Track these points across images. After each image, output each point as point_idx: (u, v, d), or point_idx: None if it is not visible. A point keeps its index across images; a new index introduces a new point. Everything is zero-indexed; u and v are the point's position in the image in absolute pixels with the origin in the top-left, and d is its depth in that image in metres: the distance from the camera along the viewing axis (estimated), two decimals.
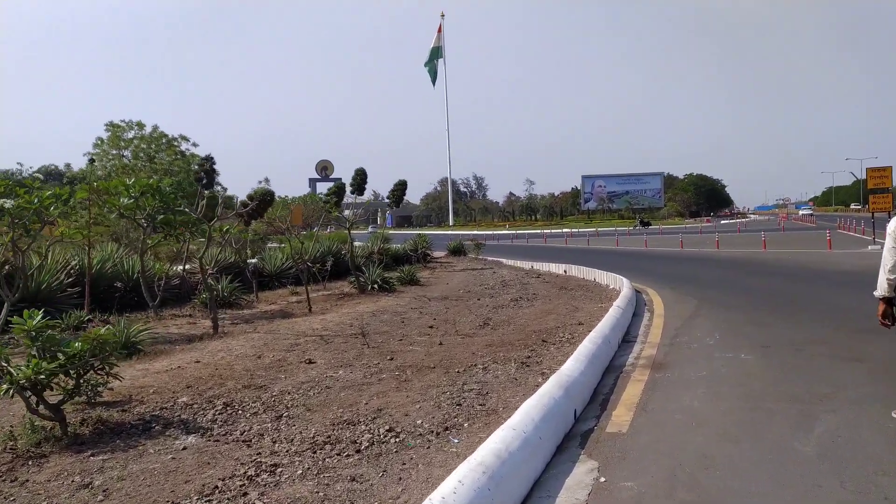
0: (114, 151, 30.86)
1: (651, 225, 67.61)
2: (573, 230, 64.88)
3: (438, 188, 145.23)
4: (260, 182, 39.41)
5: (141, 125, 31.79)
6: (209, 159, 13.13)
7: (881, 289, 4.20)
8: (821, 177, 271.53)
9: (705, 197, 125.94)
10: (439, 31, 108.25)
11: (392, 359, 6.63)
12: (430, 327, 8.79)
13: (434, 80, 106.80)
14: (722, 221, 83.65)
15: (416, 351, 7.07)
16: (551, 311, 10.07)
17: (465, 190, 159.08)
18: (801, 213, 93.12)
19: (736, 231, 45.22)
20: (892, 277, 4.12)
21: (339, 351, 7.18)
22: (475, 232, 72.69)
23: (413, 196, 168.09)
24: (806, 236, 32.75)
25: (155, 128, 32.13)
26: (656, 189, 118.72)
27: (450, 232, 76.39)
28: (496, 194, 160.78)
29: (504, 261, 22.87)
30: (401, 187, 20.04)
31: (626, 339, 7.50)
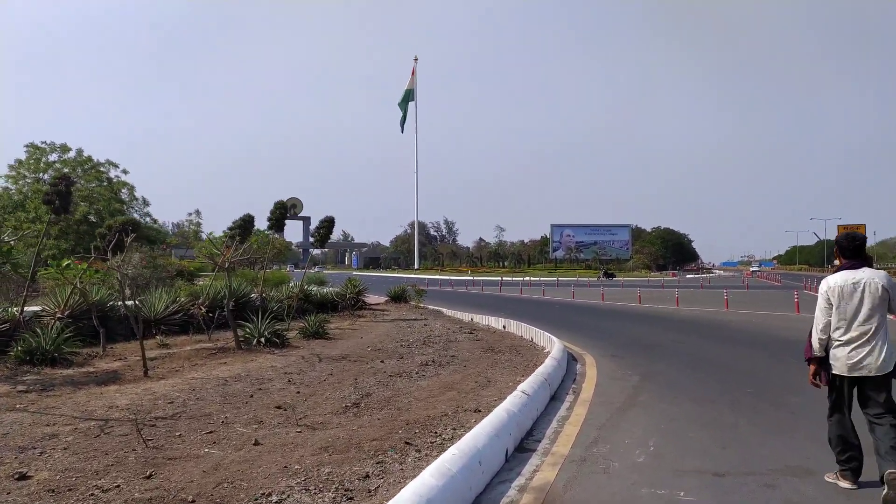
0: (30, 175, 28.19)
1: (615, 276, 66.28)
2: (531, 279, 63.06)
3: (408, 230, 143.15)
4: (190, 214, 36.86)
5: (65, 148, 29.27)
6: (65, 178, 10.73)
7: (814, 349, 4.25)
8: (785, 236, 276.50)
9: (672, 251, 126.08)
10: (413, 73, 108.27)
11: (150, 476, 4.30)
12: (279, 408, 6.50)
13: (403, 124, 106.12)
14: (687, 276, 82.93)
15: (206, 458, 4.75)
16: (455, 385, 7.85)
17: (435, 234, 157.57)
18: (755, 269, 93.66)
19: (699, 287, 43.76)
20: (823, 337, 4.20)
21: (91, 456, 4.82)
22: (436, 276, 70.50)
23: (384, 237, 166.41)
24: (771, 296, 31.20)
25: (79, 151, 29.63)
26: (624, 241, 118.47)
27: (412, 276, 74.07)
28: (466, 239, 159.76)
29: (445, 310, 20.67)
30: (326, 225, 17.87)
31: (525, 444, 5.26)
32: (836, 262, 4.42)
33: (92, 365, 9.36)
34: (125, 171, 31.48)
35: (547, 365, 7.64)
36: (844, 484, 4.13)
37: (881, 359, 4.03)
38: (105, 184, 30.16)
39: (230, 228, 14.87)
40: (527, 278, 64.08)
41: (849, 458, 4.14)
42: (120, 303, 13.62)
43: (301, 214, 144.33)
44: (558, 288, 42.50)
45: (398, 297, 24.14)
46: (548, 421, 6.04)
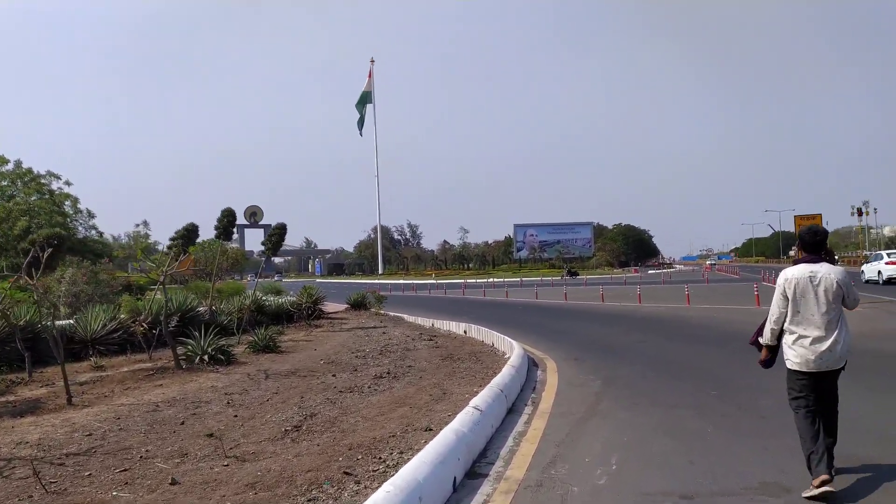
0: None
1: (578, 275, 66.59)
2: (495, 280, 62.90)
3: (372, 235, 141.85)
4: (137, 225, 35.46)
5: (3, 160, 27.77)
6: None
7: (765, 337, 4.40)
8: (741, 229, 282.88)
9: (633, 247, 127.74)
10: (370, 76, 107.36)
11: None
12: (210, 436, 5.90)
13: (361, 127, 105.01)
14: (649, 272, 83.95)
15: None
16: (408, 399, 7.36)
17: (399, 238, 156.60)
18: (712, 262, 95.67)
19: (660, 282, 44.09)
20: (775, 328, 4.32)
21: None
22: (399, 281, 69.83)
23: (348, 243, 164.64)
24: (731, 289, 31.47)
25: (18, 163, 28.15)
26: (586, 239, 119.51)
27: (376, 281, 73.29)
28: (430, 242, 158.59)
29: (406, 317, 20.14)
30: (278, 231, 17.23)
31: (477, 468, 4.78)
32: (792, 252, 4.36)
33: (14, 392, 8.60)
34: (68, 183, 30.15)
35: (504, 374, 7.19)
36: (820, 489, 3.90)
37: (837, 353, 4.09)
38: (46, 196, 28.76)
39: (172, 239, 14.11)
40: (490, 280, 63.89)
41: (814, 459, 3.96)
42: (52, 322, 12.76)
43: (262, 222, 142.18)
44: (522, 288, 42.34)
45: (358, 305, 23.52)
46: (503, 438, 5.58)
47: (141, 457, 5.27)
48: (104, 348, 12.27)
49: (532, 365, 9.90)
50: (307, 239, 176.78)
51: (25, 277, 8.60)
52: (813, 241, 4.26)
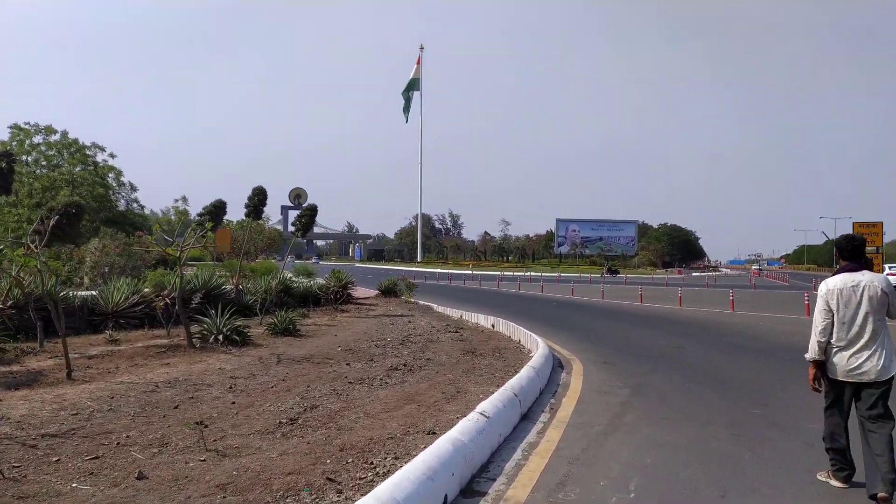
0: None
1: (619, 273, 65.11)
2: (532, 274, 61.91)
3: (413, 223, 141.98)
4: (176, 200, 35.79)
5: (50, 130, 28.25)
6: (6, 155, 9.77)
7: (812, 352, 4.18)
8: (794, 234, 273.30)
9: (678, 248, 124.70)
10: (418, 62, 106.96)
11: None
12: (199, 423, 5.49)
13: (407, 114, 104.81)
14: (693, 274, 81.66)
15: (66, 497, 3.78)
16: (418, 396, 6.86)
17: (441, 227, 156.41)
18: (757, 268, 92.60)
19: (704, 285, 42.58)
20: (822, 340, 4.11)
21: None
22: (436, 270, 69.47)
23: (389, 230, 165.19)
24: (779, 297, 30.03)
25: (64, 133, 28.60)
26: (630, 237, 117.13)
27: (413, 269, 73.13)
28: (471, 233, 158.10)
29: (435, 306, 19.67)
30: (309, 213, 16.91)
31: (475, 484, 4.23)
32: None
33: (21, 363, 8.42)
34: (112, 155, 30.48)
35: (521, 376, 6.60)
36: (836, 483, 4.08)
37: (881, 364, 3.95)
38: (91, 167, 29.18)
39: (200, 214, 13.90)
40: (528, 273, 62.99)
41: (836, 459, 4.11)
42: (76, 293, 12.71)
43: (306, 204, 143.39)
44: (559, 284, 41.41)
45: (388, 291, 23.18)
46: (511, 449, 5.01)
47: (119, 443, 4.90)
48: (125, 321, 12.16)
49: (557, 366, 9.30)
50: (349, 223, 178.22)
51: (29, 245, 8.39)
52: (850, 247, 4.14)
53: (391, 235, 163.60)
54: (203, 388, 7.05)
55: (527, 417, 6.02)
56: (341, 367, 8.81)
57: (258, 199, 15.89)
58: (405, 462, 4.18)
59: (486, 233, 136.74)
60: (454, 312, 17.74)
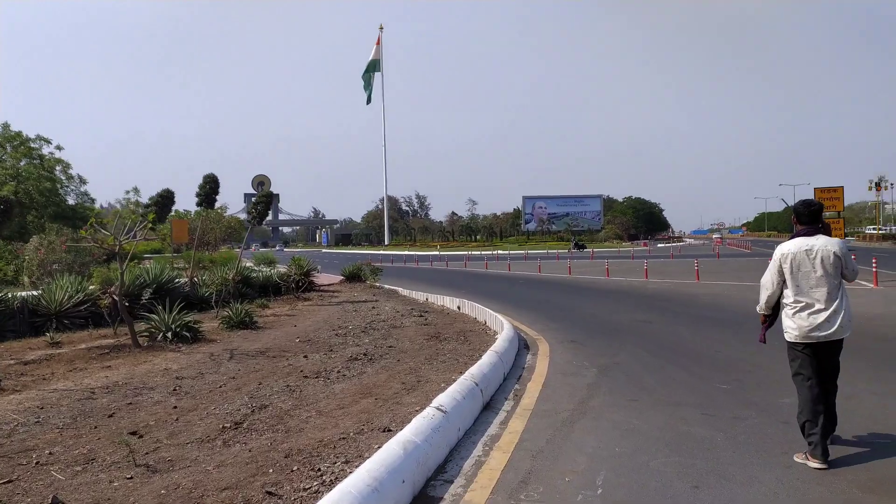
0: None
1: (586, 248, 65.46)
2: (500, 252, 61.83)
3: (379, 206, 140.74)
4: (127, 192, 34.48)
5: None
6: None
7: (760, 305, 4.50)
8: (753, 203, 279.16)
9: (644, 220, 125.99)
10: (378, 43, 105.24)
11: None
12: (134, 433, 5.06)
13: (369, 96, 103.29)
14: (658, 245, 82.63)
15: None
16: (376, 388, 6.49)
17: (408, 209, 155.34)
18: (716, 237, 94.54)
19: (669, 256, 42.95)
20: (770, 299, 4.39)
21: None
22: (403, 252, 68.95)
23: (357, 214, 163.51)
24: (743, 264, 30.34)
25: (6, 126, 27.15)
26: (596, 211, 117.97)
27: (380, 252, 72.52)
28: (439, 214, 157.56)
29: (400, 290, 19.27)
30: (265, 200, 16.29)
31: (429, 489, 3.86)
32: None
33: None
34: (59, 148, 29.08)
35: (482, 364, 6.26)
36: (814, 464, 3.98)
37: (837, 324, 4.07)
38: (36, 161, 27.83)
39: (146, 205, 13.20)
40: (495, 252, 62.89)
41: (813, 431, 4.04)
42: (17, 293, 11.98)
43: (270, 191, 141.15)
44: (526, 262, 41.32)
45: (353, 277, 22.70)
46: (472, 444, 4.67)
47: (39, 462, 4.42)
48: (69, 322, 11.51)
49: (524, 348, 9.01)
50: (315, 209, 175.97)
51: None
52: (808, 213, 4.23)
53: (358, 220, 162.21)
54: (144, 393, 6.56)
55: (489, 407, 5.69)
56: (298, 359, 8.39)
57: (209, 188, 15.22)
58: (357, 465, 3.82)
59: (453, 213, 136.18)
60: (420, 296, 17.38)
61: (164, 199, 12.95)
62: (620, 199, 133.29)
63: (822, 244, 4.12)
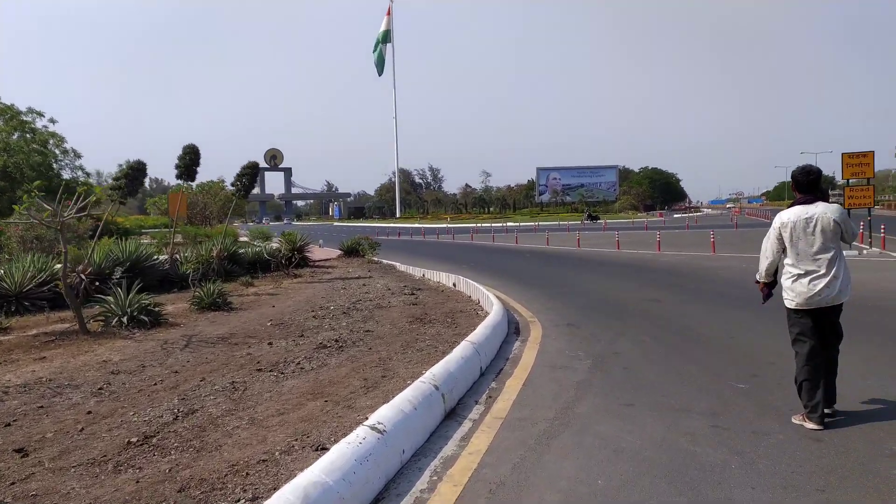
0: None
1: (599, 219, 64.01)
2: (510, 224, 60.57)
3: (392, 178, 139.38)
4: (120, 165, 33.81)
5: None
6: None
7: (760, 273, 4.57)
8: (774, 172, 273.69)
9: (660, 190, 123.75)
10: (388, 13, 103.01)
11: None
12: (19, 452, 4.17)
13: (381, 68, 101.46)
14: (675, 216, 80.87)
15: None
16: (333, 385, 5.59)
17: (421, 181, 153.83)
18: (731, 206, 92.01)
19: (685, 227, 41.54)
20: (770, 267, 4.48)
21: None
22: (413, 225, 67.98)
23: (370, 187, 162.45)
24: (762, 234, 28.94)
25: None
26: (611, 182, 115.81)
27: (390, 225, 71.60)
28: (452, 186, 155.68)
29: (398, 265, 18.33)
30: (249, 172, 15.32)
31: None
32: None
33: None
34: (53, 121, 28.26)
35: (451, 360, 5.26)
36: (811, 425, 4.05)
37: (837, 289, 4.12)
38: (29, 134, 27.03)
39: (115, 178, 12.30)
40: (505, 224, 61.67)
41: (813, 393, 4.10)
42: None
43: (282, 165, 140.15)
44: (535, 234, 40.14)
45: (351, 251, 21.76)
46: (417, 471, 3.71)
47: None
48: (29, 304, 10.70)
49: (513, 333, 8.04)
50: (328, 182, 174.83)
51: None
52: (807, 181, 4.23)
53: (371, 193, 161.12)
54: (65, 392, 5.68)
55: (453, 414, 4.71)
56: (261, 347, 7.50)
57: (189, 159, 14.28)
58: (269, 496, 2.89)
59: (466, 185, 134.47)
60: (416, 271, 16.43)
61: (135, 172, 12.01)
62: (637, 170, 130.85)
63: (821, 211, 4.13)
